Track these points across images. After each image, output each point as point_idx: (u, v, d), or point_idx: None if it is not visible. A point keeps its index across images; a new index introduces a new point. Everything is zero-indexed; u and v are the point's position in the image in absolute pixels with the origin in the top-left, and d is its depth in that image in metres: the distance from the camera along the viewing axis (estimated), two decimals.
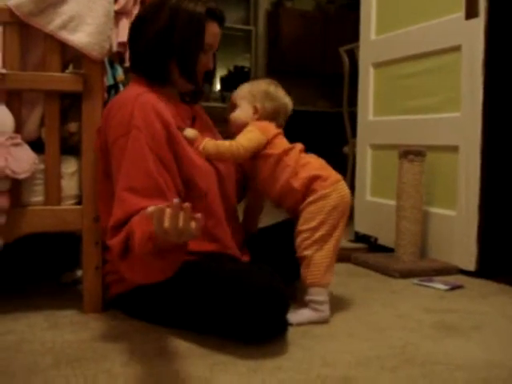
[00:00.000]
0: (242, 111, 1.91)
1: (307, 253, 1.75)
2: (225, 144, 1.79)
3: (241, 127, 1.88)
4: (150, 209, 1.22)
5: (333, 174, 1.83)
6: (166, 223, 1.21)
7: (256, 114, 1.90)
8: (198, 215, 1.23)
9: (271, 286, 1.51)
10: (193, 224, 1.22)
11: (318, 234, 1.76)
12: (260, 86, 1.93)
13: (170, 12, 1.71)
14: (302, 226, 1.78)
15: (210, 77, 1.89)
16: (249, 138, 1.82)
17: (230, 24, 7.92)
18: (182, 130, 1.74)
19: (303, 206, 1.79)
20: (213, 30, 1.77)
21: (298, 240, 1.78)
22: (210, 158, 1.78)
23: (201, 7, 1.73)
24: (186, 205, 1.20)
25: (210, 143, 1.77)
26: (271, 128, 1.88)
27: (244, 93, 1.93)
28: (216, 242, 1.76)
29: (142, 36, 1.74)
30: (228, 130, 1.94)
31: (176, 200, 1.20)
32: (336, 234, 1.78)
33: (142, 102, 1.65)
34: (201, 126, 1.87)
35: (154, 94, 1.71)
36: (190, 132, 1.76)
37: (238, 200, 2.05)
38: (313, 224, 1.76)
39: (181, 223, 1.20)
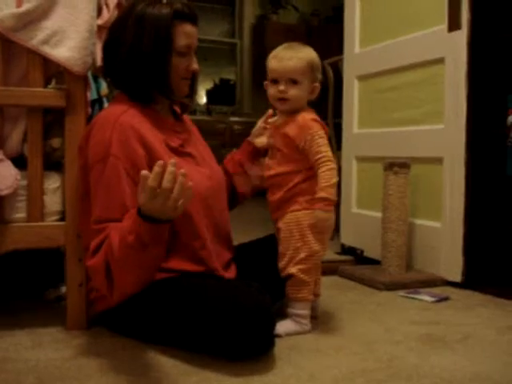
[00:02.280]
0: (303, 91, 1.78)
1: (292, 271, 1.75)
2: (330, 174, 1.70)
3: (296, 107, 1.79)
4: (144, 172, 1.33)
5: None
6: (164, 181, 1.32)
7: (313, 94, 1.82)
8: (191, 184, 1.36)
9: (258, 303, 1.50)
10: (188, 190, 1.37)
11: (301, 255, 1.75)
12: (313, 56, 1.80)
13: (136, 20, 1.68)
14: (285, 247, 1.77)
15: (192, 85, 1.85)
16: (326, 144, 1.75)
17: (216, 37, 7.96)
18: None
19: (284, 224, 1.78)
20: (185, 30, 1.73)
21: (283, 262, 1.78)
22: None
23: (166, 9, 1.69)
24: (182, 171, 1.33)
25: (329, 190, 1.69)
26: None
27: (305, 67, 1.77)
28: (200, 263, 1.73)
29: (115, 52, 1.72)
30: (278, 108, 1.84)
31: (173, 161, 1.33)
32: (319, 252, 1.78)
33: (122, 124, 1.63)
34: (189, 141, 1.85)
35: (137, 111, 1.70)
36: None
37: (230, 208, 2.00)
38: (295, 245, 1.75)
39: (177, 185, 1.33)
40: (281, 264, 1.78)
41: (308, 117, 1.78)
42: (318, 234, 1.76)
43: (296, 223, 1.76)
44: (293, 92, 1.77)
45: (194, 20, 1.77)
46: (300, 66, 1.76)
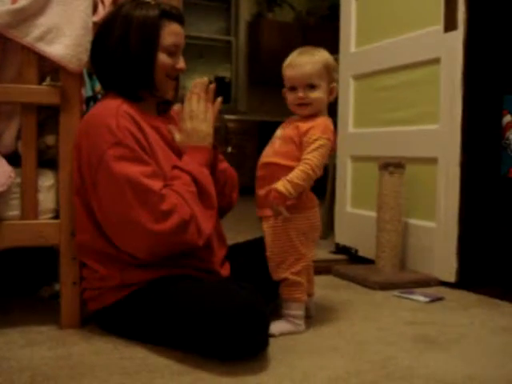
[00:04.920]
0: (323, 93, 1.78)
1: (285, 275, 1.75)
2: (300, 175, 1.68)
3: (317, 110, 1.79)
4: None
5: (309, 201, 1.80)
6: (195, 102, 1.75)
7: (331, 95, 1.81)
8: (218, 99, 1.80)
9: (252, 303, 1.50)
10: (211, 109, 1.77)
11: (290, 259, 1.75)
12: (328, 58, 1.80)
13: (124, 20, 1.71)
14: (271, 251, 1.77)
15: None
16: (322, 154, 1.71)
17: (211, 34, 7.95)
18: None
19: (269, 227, 1.77)
20: (172, 29, 1.76)
21: (272, 265, 1.77)
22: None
23: (153, 10, 1.73)
24: (212, 86, 1.78)
25: (287, 186, 1.66)
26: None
27: (321, 70, 1.76)
28: (197, 259, 1.73)
29: (102, 49, 1.74)
30: (298, 113, 1.81)
31: (205, 79, 1.79)
32: (307, 255, 1.78)
33: (123, 114, 1.64)
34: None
35: (130, 105, 1.70)
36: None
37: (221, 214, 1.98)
38: (282, 249, 1.75)
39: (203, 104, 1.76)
40: (270, 267, 1.78)
41: (328, 123, 1.78)
42: (303, 238, 1.77)
43: (282, 228, 1.75)
44: (313, 96, 1.76)
45: (181, 20, 1.79)
46: (316, 70, 1.76)
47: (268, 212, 1.76)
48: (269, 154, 1.81)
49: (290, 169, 1.72)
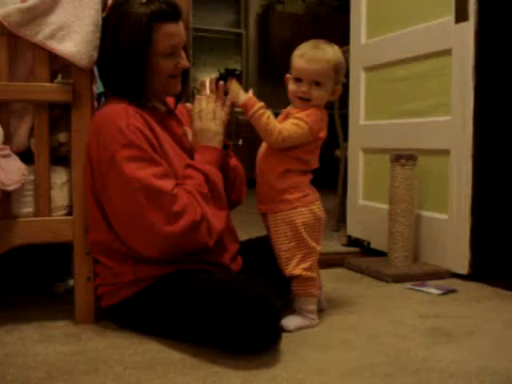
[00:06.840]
0: (326, 92, 1.76)
1: (297, 272, 1.75)
2: (276, 125, 1.69)
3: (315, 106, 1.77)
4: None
5: (311, 193, 1.80)
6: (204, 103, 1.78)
7: (333, 96, 1.81)
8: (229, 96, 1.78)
9: (262, 295, 1.51)
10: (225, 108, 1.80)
11: (299, 255, 1.75)
12: (340, 59, 1.77)
13: (117, 19, 1.69)
14: (279, 248, 1.77)
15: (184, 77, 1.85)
16: (295, 131, 1.71)
17: (221, 27, 7.94)
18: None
19: (274, 224, 1.78)
20: (166, 31, 1.69)
21: (282, 262, 1.77)
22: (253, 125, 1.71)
23: (145, 9, 1.66)
24: (221, 83, 1.81)
25: (266, 116, 1.69)
26: (324, 129, 1.78)
27: (330, 70, 1.74)
28: (208, 254, 1.73)
29: (101, 50, 1.73)
30: (296, 105, 1.78)
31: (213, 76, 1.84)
32: (316, 248, 1.78)
33: (133, 114, 1.64)
34: (183, 135, 1.86)
35: (135, 107, 1.69)
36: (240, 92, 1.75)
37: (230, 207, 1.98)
38: (289, 245, 1.75)
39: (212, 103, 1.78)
40: (279, 264, 1.78)
41: (318, 112, 1.76)
42: (311, 231, 1.77)
43: (289, 223, 1.75)
44: (315, 94, 1.74)
45: (175, 17, 1.72)
46: (325, 69, 1.73)
47: (269, 208, 1.78)
48: (262, 150, 1.82)
49: (286, 157, 1.75)
